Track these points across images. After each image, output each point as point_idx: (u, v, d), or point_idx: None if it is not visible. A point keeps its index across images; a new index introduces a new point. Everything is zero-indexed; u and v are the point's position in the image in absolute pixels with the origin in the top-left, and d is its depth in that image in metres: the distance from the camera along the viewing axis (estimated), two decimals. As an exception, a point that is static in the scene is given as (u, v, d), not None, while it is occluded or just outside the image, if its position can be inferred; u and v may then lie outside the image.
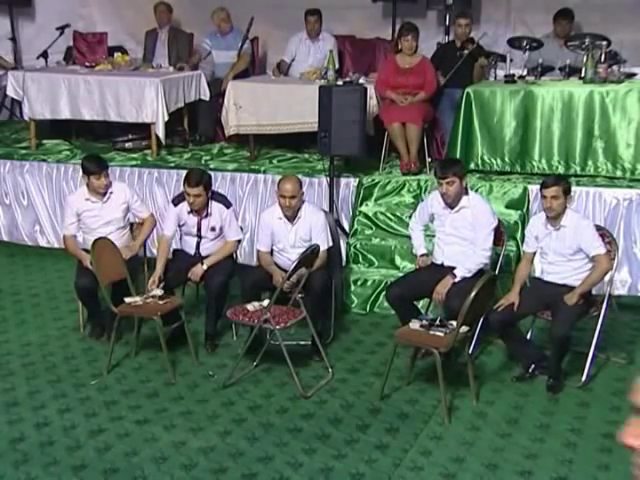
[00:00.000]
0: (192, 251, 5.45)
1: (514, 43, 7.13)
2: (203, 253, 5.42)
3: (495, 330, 4.89)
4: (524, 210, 6.10)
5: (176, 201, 5.49)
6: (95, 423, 4.37)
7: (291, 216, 5.26)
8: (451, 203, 5.05)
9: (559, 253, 4.76)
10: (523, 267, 5.01)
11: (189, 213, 5.38)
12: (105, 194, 5.49)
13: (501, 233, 5.22)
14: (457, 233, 5.08)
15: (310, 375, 4.94)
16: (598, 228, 4.91)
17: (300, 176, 5.70)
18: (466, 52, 7.02)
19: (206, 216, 5.39)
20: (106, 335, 5.36)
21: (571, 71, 6.84)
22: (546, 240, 4.81)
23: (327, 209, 6.25)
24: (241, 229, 5.65)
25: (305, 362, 5.07)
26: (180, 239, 5.59)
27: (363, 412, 4.49)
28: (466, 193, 5.09)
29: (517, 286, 4.87)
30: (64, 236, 5.65)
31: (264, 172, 6.83)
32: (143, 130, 7.46)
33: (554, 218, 4.73)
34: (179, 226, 5.48)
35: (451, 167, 5.06)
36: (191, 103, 7.75)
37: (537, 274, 5.10)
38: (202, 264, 5.33)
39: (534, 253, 4.98)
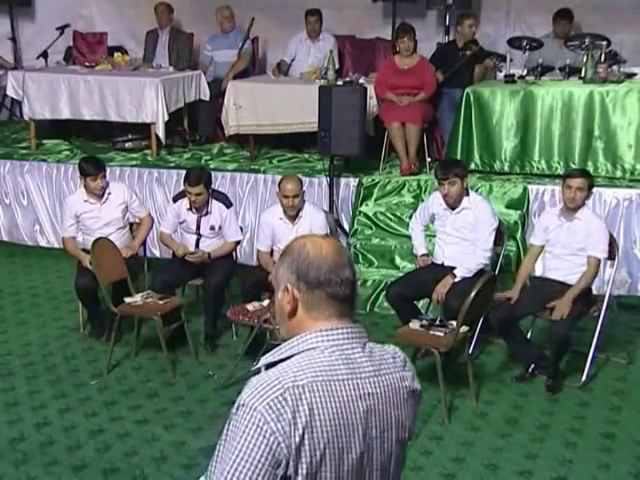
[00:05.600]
0: (192, 249, 5.46)
1: (514, 43, 7.12)
2: (203, 251, 5.45)
3: (495, 329, 4.89)
4: (524, 210, 6.10)
5: (176, 198, 5.57)
6: (95, 423, 4.38)
7: (293, 216, 5.26)
8: (452, 204, 5.06)
9: (567, 246, 4.77)
10: (527, 263, 5.03)
11: (188, 210, 5.41)
12: (102, 195, 5.50)
13: (501, 233, 5.21)
14: (458, 233, 5.08)
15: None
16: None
17: (300, 176, 5.70)
18: (469, 53, 7.01)
19: (206, 214, 5.41)
20: (106, 335, 5.36)
21: (571, 71, 6.84)
22: (556, 232, 4.82)
23: (327, 209, 6.26)
24: (241, 229, 5.66)
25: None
26: (180, 237, 5.61)
27: (363, 412, 4.49)
28: (467, 194, 5.09)
29: (519, 283, 4.88)
30: (63, 238, 5.66)
31: (264, 172, 6.83)
32: (143, 130, 7.46)
33: (573, 210, 4.74)
34: (179, 223, 5.51)
35: (453, 168, 5.07)
36: (191, 103, 7.75)
37: (537, 274, 5.11)
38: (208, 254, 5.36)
39: (540, 248, 4.96)
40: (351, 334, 1.74)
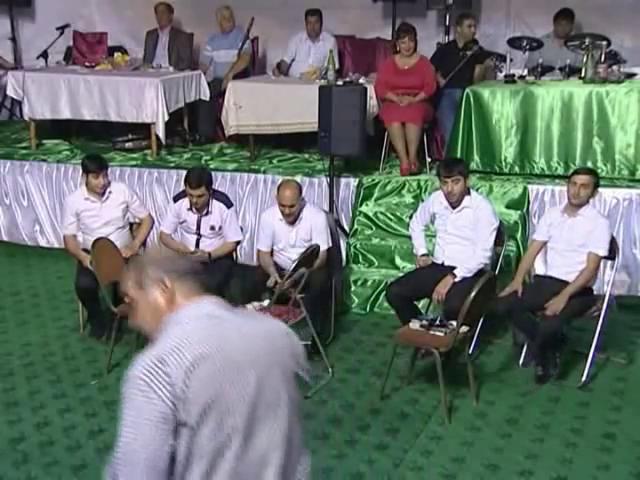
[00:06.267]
0: (192, 249, 5.46)
1: (514, 43, 7.12)
2: (203, 251, 5.44)
3: (504, 318, 4.92)
4: (524, 210, 6.10)
5: (176, 198, 5.58)
6: (95, 423, 4.38)
7: (292, 220, 5.27)
8: (454, 202, 5.06)
9: (568, 242, 4.78)
10: (527, 258, 5.05)
11: (188, 210, 5.41)
12: (103, 194, 5.51)
13: (501, 233, 5.21)
14: (458, 233, 5.08)
15: (310, 375, 4.92)
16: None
17: (300, 176, 5.71)
18: (469, 53, 7.01)
19: (206, 214, 5.41)
20: (106, 335, 5.37)
21: (571, 71, 6.83)
22: (559, 228, 4.84)
23: (327, 209, 6.26)
24: (241, 229, 5.67)
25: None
26: (181, 237, 5.61)
27: (363, 412, 4.49)
28: (468, 193, 5.10)
29: (520, 276, 4.91)
30: (64, 236, 5.67)
31: (264, 172, 6.82)
32: (143, 130, 7.46)
33: (576, 206, 4.76)
34: (180, 223, 5.51)
35: (456, 166, 5.09)
36: (191, 103, 7.75)
37: (538, 272, 5.11)
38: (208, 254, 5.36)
39: (542, 244, 4.97)
40: (212, 303, 2.00)
